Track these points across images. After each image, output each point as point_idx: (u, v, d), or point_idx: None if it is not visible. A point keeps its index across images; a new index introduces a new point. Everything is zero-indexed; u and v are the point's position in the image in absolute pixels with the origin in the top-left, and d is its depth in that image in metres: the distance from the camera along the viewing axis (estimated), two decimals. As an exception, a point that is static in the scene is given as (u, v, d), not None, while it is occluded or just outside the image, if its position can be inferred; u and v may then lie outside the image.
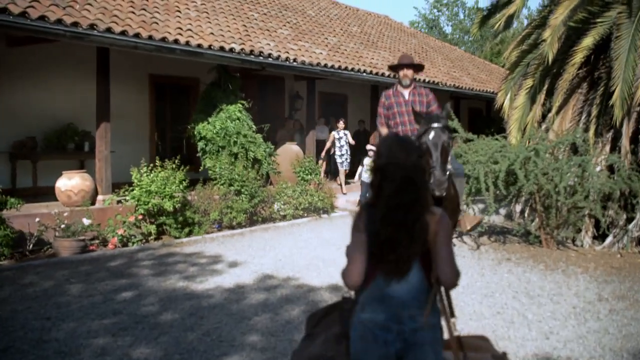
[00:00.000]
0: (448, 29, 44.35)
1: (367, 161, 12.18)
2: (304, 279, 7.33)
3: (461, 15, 43.85)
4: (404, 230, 2.50)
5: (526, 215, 10.67)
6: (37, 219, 8.81)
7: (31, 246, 8.65)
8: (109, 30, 9.51)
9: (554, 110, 10.89)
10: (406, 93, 6.87)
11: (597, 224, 9.50)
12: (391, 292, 2.55)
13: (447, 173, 5.01)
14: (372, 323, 2.57)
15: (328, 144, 15.50)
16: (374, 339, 2.55)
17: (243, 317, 5.84)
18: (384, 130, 6.93)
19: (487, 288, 7.05)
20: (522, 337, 5.38)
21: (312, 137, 14.92)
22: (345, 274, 2.62)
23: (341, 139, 15.31)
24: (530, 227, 9.78)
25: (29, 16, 8.41)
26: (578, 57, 10.12)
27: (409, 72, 6.85)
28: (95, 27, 9.32)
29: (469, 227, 6.02)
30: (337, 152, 15.27)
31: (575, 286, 7.19)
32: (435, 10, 44.30)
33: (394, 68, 7.10)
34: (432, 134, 4.93)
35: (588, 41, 10.08)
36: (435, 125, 4.95)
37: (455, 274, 2.57)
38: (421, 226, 2.52)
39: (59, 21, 8.81)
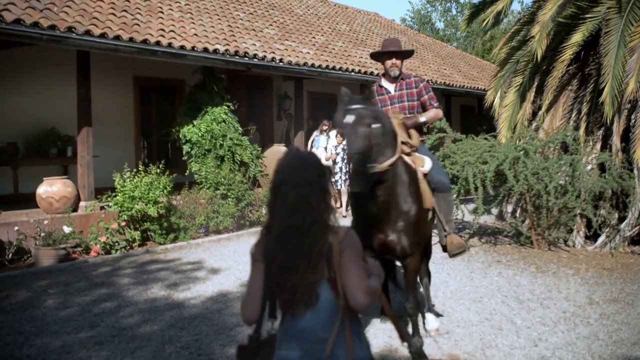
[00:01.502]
0: (440, 25, 44.31)
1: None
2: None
3: (454, 11, 43.82)
4: (298, 255, 2.26)
5: (517, 215, 10.58)
6: (17, 228, 8.66)
7: (10, 256, 8.49)
8: (87, 33, 9.36)
9: (543, 108, 10.80)
10: (392, 87, 5.57)
11: (589, 223, 9.40)
12: (302, 325, 2.31)
13: (369, 165, 4.13)
14: None
15: (329, 154, 13.55)
16: None
17: (224, 328, 5.71)
18: None
19: (475, 292, 6.94)
20: (510, 345, 5.27)
21: (301, 137, 14.77)
22: (242, 307, 2.45)
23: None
24: (521, 228, 9.68)
25: (4, 19, 8.26)
26: (567, 54, 10.03)
27: (398, 62, 5.50)
28: (73, 29, 9.17)
29: (451, 253, 5.20)
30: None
31: (566, 289, 7.09)
32: (428, 6, 44.22)
33: (377, 56, 5.70)
34: (347, 117, 4.09)
35: (577, 37, 9.99)
36: (350, 107, 4.13)
37: (367, 299, 2.31)
38: (319, 250, 2.27)
39: (36, 24, 8.66)
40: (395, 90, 5.54)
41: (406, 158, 4.75)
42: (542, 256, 8.95)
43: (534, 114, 11.42)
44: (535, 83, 11.25)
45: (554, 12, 9.87)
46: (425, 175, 4.99)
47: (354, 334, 2.35)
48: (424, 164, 5.01)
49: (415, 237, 4.69)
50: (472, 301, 6.58)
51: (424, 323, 5.54)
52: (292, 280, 2.28)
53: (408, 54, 5.86)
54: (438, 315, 5.90)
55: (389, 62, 5.50)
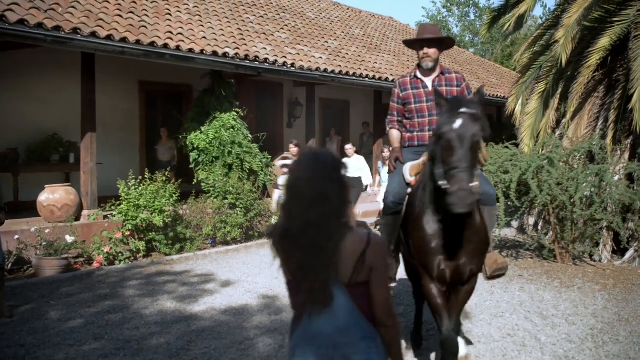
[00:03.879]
0: (457, 30, 44.34)
1: (282, 181, 10.77)
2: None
3: (472, 16, 43.83)
4: (315, 254, 2.25)
5: (540, 228, 10.52)
6: (17, 236, 8.70)
7: (10, 266, 8.51)
8: (93, 34, 9.43)
9: (568, 116, 10.76)
10: (429, 81, 4.98)
11: (617, 237, 9.34)
12: (318, 329, 2.31)
13: (476, 182, 3.65)
14: None
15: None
16: None
17: (233, 342, 5.70)
18: (394, 134, 5.19)
19: (497, 308, 6.89)
20: (535, 363, 5.23)
21: (313, 145, 14.78)
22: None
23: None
24: (544, 241, 9.62)
25: (7, 20, 8.33)
26: (594, 59, 9.99)
27: (431, 51, 4.91)
28: (78, 31, 9.24)
29: (489, 273, 4.56)
30: None
31: (593, 305, 7.03)
32: (444, 11, 44.28)
33: (411, 44, 5.15)
34: (457, 122, 3.60)
35: (604, 41, 9.96)
36: (463, 110, 3.64)
37: (390, 322, 2.38)
38: (335, 246, 2.25)
39: (40, 25, 8.74)
40: (433, 86, 4.90)
41: None
42: (566, 271, 8.88)
43: (558, 122, 11.38)
44: (560, 89, 11.22)
45: (579, 15, 9.85)
46: None
47: (370, 338, 2.34)
48: None
49: (483, 256, 4.33)
50: (493, 316, 6.54)
51: None
52: (309, 279, 2.27)
53: (447, 43, 5.18)
54: (468, 342, 5.63)
55: (421, 52, 4.95)
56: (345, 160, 10.19)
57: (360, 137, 18.18)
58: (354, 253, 2.29)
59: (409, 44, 5.19)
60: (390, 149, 5.19)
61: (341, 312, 2.29)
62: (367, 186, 13.45)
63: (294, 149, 11.72)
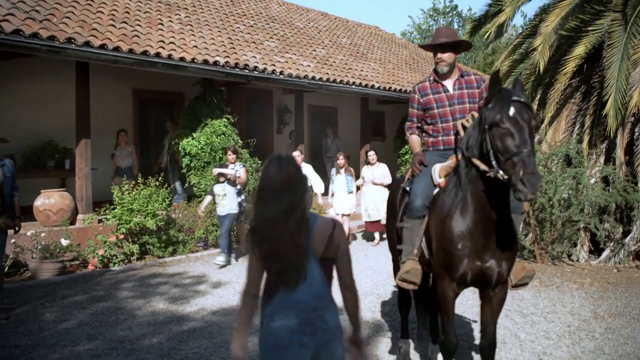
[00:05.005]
0: (441, 39, 44.35)
1: (217, 189, 9.74)
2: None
3: (455, 25, 43.99)
4: (284, 242, 2.68)
5: (520, 229, 10.57)
6: (13, 240, 8.64)
7: (7, 269, 8.46)
8: (87, 44, 9.41)
9: (546, 121, 10.85)
10: (449, 84, 4.76)
11: (593, 237, 9.41)
12: (298, 298, 2.73)
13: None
14: (286, 329, 2.72)
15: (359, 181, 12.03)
16: (290, 344, 2.71)
17: (224, 342, 5.70)
18: (415, 139, 4.95)
19: (477, 306, 6.89)
20: (514, 359, 5.26)
21: (302, 149, 14.77)
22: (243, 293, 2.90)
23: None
24: (525, 242, 9.68)
25: (3, 30, 8.30)
26: (570, 66, 10.09)
27: (445, 56, 4.68)
28: (72, 41, 9.22)
29: (514, 281, 4.25)
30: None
31: (570, 303, 7.09)
32: (430, 20, 44.42)
33: (427, 48, 4.96)
34: (512, 109, 3.46)
35: (580, 50, 10.07)
36: (516, 98, 3.50)
37: (352, 288, 2.90)
38: (305, 231, 2.72)
39: (35, 35, 8.71)
40: (454, 89, 4.73)
41: None
42: (545, 270, 8.94)
43: (537, 127, 11.45)
44: (538, 96, 11.32)
45: (556, 24, 9.95)
46: None
47: (332, 302, 2.84)
48: None
49: (513, 260, 4.07)
50: (474, 315, 6.55)
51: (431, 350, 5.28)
52: (279, 264, 2.70)
53: (463, 46, 4.95)
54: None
55: (436, 57, 4.74)
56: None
57: (324, 141, 17.58)
58: (325, 234, 2.80)
59: (426, 48, 5.01)
60: (412, 153, 4.90)
61: (317, 282, 2.77)
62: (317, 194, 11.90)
63: (299, 157, 10.83)
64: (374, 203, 11.35)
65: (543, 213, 9.24)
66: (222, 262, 9.33)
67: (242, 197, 9.99)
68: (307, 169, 11.16)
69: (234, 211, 9.67)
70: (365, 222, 11.87)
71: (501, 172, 3.44)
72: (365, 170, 11.89)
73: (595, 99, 9.89)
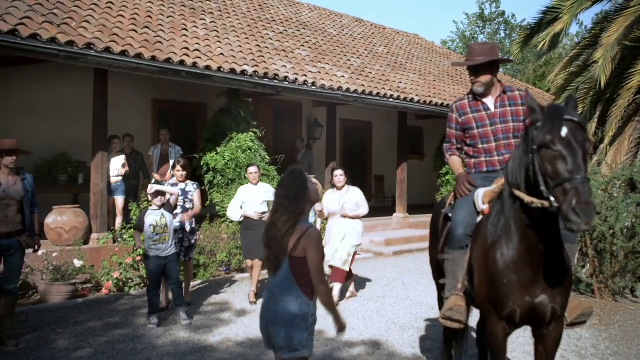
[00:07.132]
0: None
1: (153, 218, 7.58)
2: (321, 329, 7.09)
3: (502, 34, 43.87)
4: (274, 239, 3.79)
5: (576, 260, 10.44)
6: (23, 260, 8.76)
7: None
8: (107, 50, 9.60)
9: (607, 141, 10.75)
10: (490, 102, 4.73)
11: (661, 271, 9.25)
12: (272, 282, 3.88)
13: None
14: (264, 302, 3.91)
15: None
16: (262, 313, 3.88)
17: (251, 376, 5.71)
18: (455, 160, 4.96)
19: (530, 345, 6.79)
20: (575, 405, 5.18)
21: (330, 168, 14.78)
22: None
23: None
24: (581, 275, 9.55)
25: (19, 34, 8.52)
26: (635, 81, 10.02)
27: (482, 79, 4.67)
28: (92, 46, 9.42)
29: (569, 319, 4.13)
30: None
31: (637, 345, 6.96)
32: (475, 27, 44.28)
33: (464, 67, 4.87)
34: (564, 130, 3.37)
35: (646, 63, 9.99)
36: (568, 117, 3.42)
37: (321, 287, 3.77)
38: (286, 231, 3.75)
39: (53, 40, 8.92)
40: (495, 107, 4.70)
41: None
42: (605, 307, 8.80)
43: (596, 148, 11.36)
44: (597, 113, 11.24)
45: (620, 35, 9.89)
46: None
47: (294, 295, 3.74)
48: None
49: (567, 295, 3.98)
50: (526, 354, 6.49)
51: None
52: (269, 252, 3.84)
53: (498, 64, 4.87)
54: None
55: (471, 77, 4.75)
56: (246, 188, 8.92)
57: (294, 155, 15.92)
58: (295, 237, 3.75)
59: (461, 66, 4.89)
60: (455, 175, 4.85)
61: (282, 274, 3.79)
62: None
63: (341, 177, 9.00)
64: (340, 242, 8.85)
65: (603, 243, 9.12)
66: (156, 324, 7.43)
67: (192, 226, 8.57)
68: (356, 193, 9.15)
69: (174, 251, 7.84)
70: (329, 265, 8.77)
71: (551, 198, 3.36)
72: (329, 197, 9.24)
73: (663, 117, 9.81)
